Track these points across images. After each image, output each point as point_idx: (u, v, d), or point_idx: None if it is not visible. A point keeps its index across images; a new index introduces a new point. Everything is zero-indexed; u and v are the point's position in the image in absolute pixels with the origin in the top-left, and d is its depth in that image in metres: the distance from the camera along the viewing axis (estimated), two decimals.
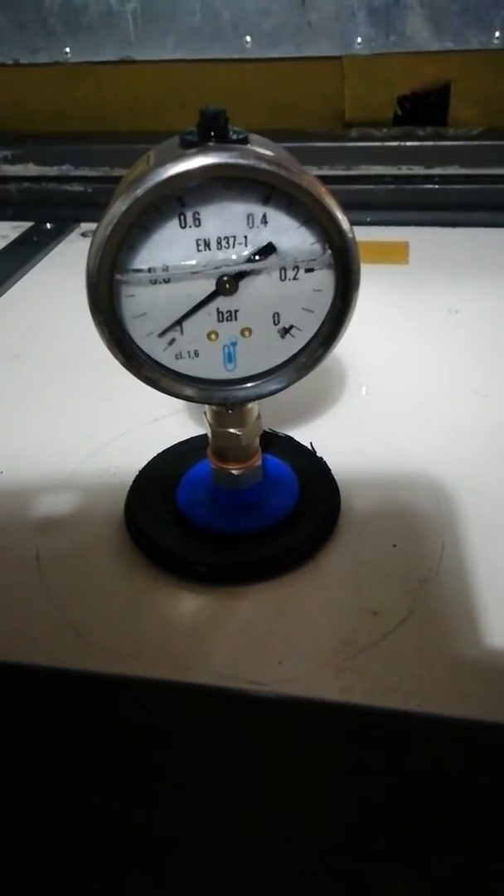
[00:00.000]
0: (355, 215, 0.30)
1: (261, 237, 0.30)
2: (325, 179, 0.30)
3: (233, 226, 0.29)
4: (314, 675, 0.31)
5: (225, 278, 0.30)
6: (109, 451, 0.45)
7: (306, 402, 0.48)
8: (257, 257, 0.30)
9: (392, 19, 0.74)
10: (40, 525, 0.40)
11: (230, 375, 0.33)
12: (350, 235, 0.30)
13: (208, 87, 0.80)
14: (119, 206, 0.28)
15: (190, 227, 0.29)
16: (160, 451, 0.43)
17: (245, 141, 0.29)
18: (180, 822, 0.27)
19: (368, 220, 0.76)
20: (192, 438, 0.43)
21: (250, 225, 0.29)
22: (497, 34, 0.73)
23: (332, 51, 0.76)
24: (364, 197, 0.77)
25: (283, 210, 0.29)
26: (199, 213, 0.29)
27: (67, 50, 0.80)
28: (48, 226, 0.80)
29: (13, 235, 0.79)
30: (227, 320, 0.31)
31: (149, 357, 0.32)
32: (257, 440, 0.37)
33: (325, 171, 0.77)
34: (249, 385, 0.33)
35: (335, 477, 0.40)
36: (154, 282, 0.30)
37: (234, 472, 0.37)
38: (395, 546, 0.37)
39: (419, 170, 0.77)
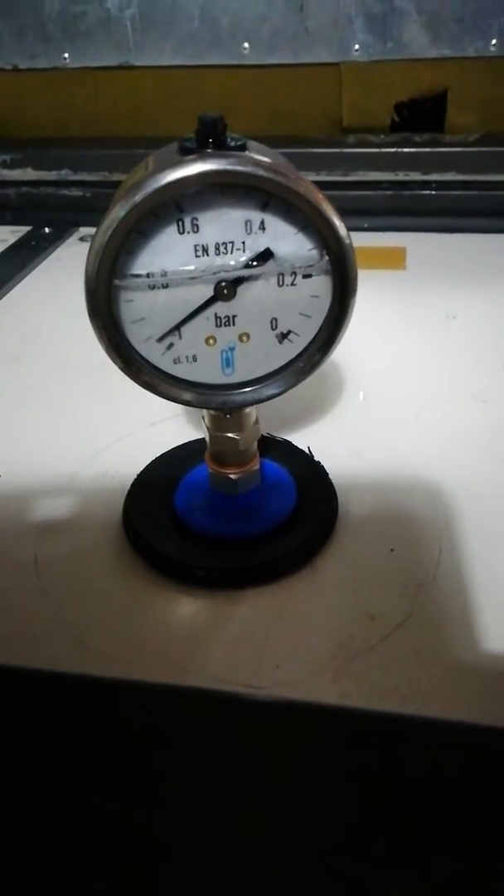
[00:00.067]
0: (353, 221, 0.30)
1: (259, 243, 0.30)
2: (323, 185, 0.30)
3: (231, 232, 0.29)
4: (312, 679, 0.31)
5: (223, 284, 0.30)
6: (108, 454, 0.45)
7: (304, 407, 0.48)
8: (255, 263, 0.30)
9: (389, 26, 0.74)
10: (38, 529, 0.40)
11: (228, 380, 0.33)
12: (347, 241, 0.30)
13: (206, 93, 0.80)
14: (118, 212, 0.28)
15: (188, 232, 0.29)
16: (158, 455, 0.43)
17: (243, 147, 0.29)
18: (179, 824, 0.27)
19: (366, 225, 0.76)
20: (190, 442, 0.43)
21: (248, 231, 0.30)
22: (494, 41, 0.73)
23: (330, 57, 0.77)
24: (361, 203, 0.78)
25: (280, 216, 0.29)
26: (197, 219, 0.29)
27: (66, 56, 0.81)
28: (47, 230, 0.80)
29: (12, 240, 0.79)
30: (226, 325, 0.31)
31: (147, 362, 0.32)
32: (255, 444, 0.37)
33: (323, 177, 0.77)
34: (247, 390, 0.33)
35: (333, 481, 0.40)
36: (152, 287, 0.30)
37: (232, 476, 0.37)
38: (392, 550, 0.37)
39: (416, 176, 0.77)
